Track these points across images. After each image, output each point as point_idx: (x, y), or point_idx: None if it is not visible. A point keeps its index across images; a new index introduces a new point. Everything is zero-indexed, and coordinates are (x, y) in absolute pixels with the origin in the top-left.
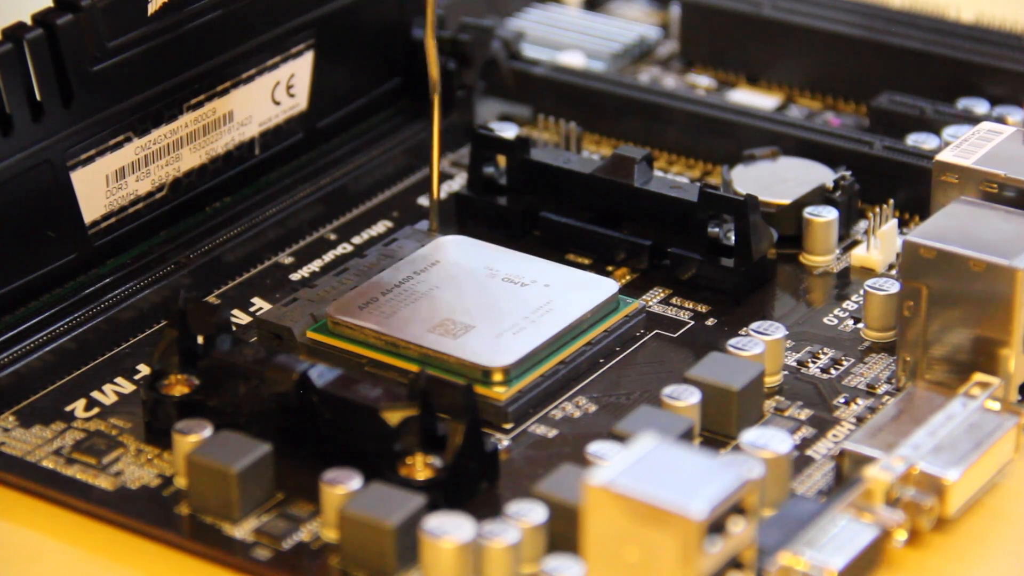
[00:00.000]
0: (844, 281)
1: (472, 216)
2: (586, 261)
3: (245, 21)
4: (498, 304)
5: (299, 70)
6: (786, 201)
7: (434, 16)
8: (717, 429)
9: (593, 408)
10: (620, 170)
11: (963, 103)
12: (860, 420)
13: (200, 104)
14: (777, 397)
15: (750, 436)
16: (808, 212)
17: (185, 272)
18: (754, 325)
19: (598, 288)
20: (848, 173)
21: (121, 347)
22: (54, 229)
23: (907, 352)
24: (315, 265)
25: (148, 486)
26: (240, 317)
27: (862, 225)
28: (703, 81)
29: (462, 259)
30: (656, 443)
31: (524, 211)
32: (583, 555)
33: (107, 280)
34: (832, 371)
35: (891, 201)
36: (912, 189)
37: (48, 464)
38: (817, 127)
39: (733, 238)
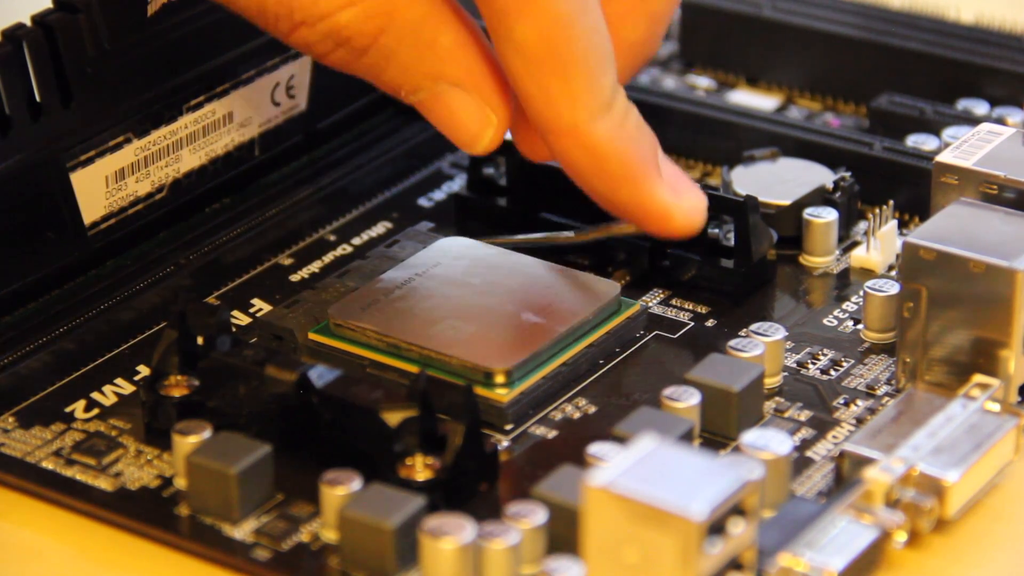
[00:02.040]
0: (844, 282)
1: (472, 217)
2: (585, 262)
3: (245, 22)
4: (500, 305)
5: (299, 71)
6: (786, 202)
7: None
8: (717, 430)
9: (593, 409)
10: None
11: (963, 104)
12: (860, 421)
13: (200, 105)
14: (777, 398)
15: (750, 437)
16: (808, 213)
17: (185, 273)
18: (754, 326)
19: (600, 290)
20: (848, 174)
21: (121, 348)
22: (54, 230)
23: (907, 353)
24: (315, 266)
25: (148, 487)
26: (240, 318)
27: (862, 226)
28: (703, 82)
29: (463, 260)
30: (656, 444)
31: (524, 212)
32: (583, 556)
33: (107, 281)
34: (832, 372)
35: (891, 202)
36: (912, 190)
37: (48, 465)
38: (817, 128)
39: (733, 239)
